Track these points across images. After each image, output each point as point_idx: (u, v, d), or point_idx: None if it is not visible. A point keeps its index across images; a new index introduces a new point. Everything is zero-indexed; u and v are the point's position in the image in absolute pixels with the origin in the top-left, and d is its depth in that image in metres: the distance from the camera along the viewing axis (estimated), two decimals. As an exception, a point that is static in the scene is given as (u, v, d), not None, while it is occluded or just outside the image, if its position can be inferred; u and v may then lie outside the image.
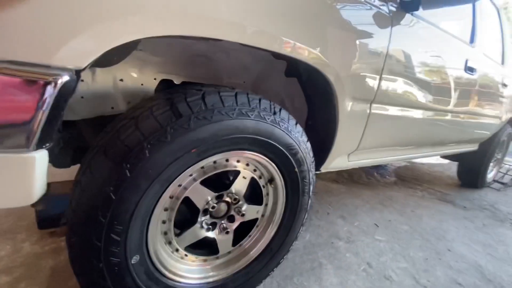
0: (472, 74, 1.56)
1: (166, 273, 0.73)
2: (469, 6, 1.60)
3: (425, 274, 1.23)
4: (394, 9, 1.03)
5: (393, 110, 1.18)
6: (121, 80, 0.87)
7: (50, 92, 0.46)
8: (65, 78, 0.47)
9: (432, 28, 1.25)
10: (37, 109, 0.45)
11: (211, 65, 1.01)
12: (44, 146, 0.49)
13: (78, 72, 0.49)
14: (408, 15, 1.09)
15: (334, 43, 0.84)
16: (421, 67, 1.21)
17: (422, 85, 1.25)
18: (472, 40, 1.61)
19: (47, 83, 0.45)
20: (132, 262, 0.62)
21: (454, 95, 1.50)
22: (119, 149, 0.55)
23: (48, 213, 1.18)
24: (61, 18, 0.45)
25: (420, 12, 1.11)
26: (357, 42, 0.91)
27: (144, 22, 0.51)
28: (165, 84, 0.97)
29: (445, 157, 2.66)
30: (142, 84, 0.92)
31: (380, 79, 1.01)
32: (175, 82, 0.98)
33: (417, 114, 1.34)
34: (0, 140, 0.45)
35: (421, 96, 1.27)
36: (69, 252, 0.59)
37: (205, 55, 0.98)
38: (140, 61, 0.88)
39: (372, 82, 1.00)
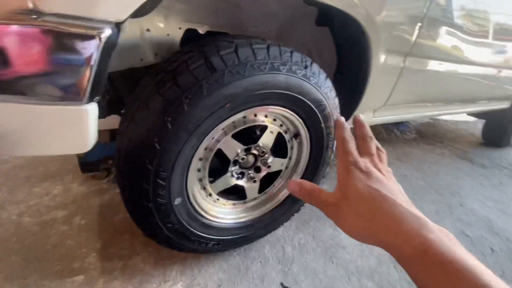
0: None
1: (203, 213, 0.82)
2: None
3: (434, 224, 1.31)
4: None
5: (428, 64, 1.11)
6: (148, 30, 0.85)
7: (96, 46, 0.47)
8: (108, 31, 0.48)
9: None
10: (87, 63, 0.48)
11: (236, 12, 0.96)
12: (94, 99, 0.53)
13: (118, 25, 0.49)
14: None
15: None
16: (468, 15, 1.09)
17: (465, 36, 1.14)
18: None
19: (92, 37, 0.46)
20: (175, 203, 0.71)
21: (496, 47, 1.36)
22: (160, 103, 0.58)
23: (88, 159, 1.30)
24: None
25: None
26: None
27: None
28: (189, 34, 0.94)
29: (472, 114, 2.54)
30: (168, 34, 0.90)
31: (420, 29, 0.93)
32: (200, 32, 0.95)
33: (453, 68, 1.25)
34: (56, 94, 0.49)
35: (460, 49, 1.17)
36: (122, 194, 0.68)
37: (230, 2, 0.92)
38: (165, 9, 0.84)
39: (411, 32, 0.92)
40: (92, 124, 0.55)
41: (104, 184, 1.32)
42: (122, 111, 1.23)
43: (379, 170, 0.35)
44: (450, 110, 1.71)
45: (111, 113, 1.01)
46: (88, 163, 1.31)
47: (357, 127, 0.42)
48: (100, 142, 1.15)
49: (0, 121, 0.49)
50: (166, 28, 0.88)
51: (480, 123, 2.78)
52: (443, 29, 1.03)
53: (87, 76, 0.49)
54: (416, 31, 0.93)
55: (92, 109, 0.53)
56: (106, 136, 1.27)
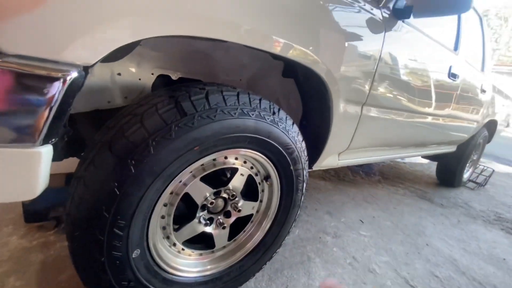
0: (455, 80, 1.65)
1: (165, 266, 0.74)
2: (455, 16, 1.69)
3: (405, 267, 1.32)
4: (387, 15, 1.07)
5: (382, 113, 1.24)
6: (119, 74, 0.86)
7: (58, 88, 0.46)
8: (74, 74, 0.47)
9: (421, 35, 1.31)
10: (45, 104, 0.46)
11: (208, 61, 1.02)
12: (50, 142, 0.49)
13: (86, 69, 0.49)
14: (399, 22, 1.14)
15: (331, 45, 0.87)
16: (410, 72, 1.28)
17: (410, 89, 1.31)
18: (456, 48, 1.70)
19: (56, 79, 0.45)
20: (133, 256, 0.63)
21: (437, 99, 1.58)
22: (124, 145, 0.56)
23: (36, 207, 1.16)
24: (72, 16, 0.45)
25: (411, 19, 1.16)
26: (353, 45, 0.95)
27: (154, 21, 0.51)
28: (162, 79, 0.97)
29: (425, 157, 2.80)
30: (139, 79, 0.91)
31: (372, 82, 1.06)
32: (172, 78, 0.98)
33: (404, 116, 1.41)
34: (7, 136, 0.45)
35: (408, 100, 1.34)
36: (70, 246, 0.60)
37: (204, 52, 0.98)
38: (138, 56, 0.87)
39: (365, 85, 1.04)
40: (43, 168, 0.50)
41: (52, 236, 1.15)
42: (82, 154, 1.16)
43: None
44: (406, 153, 1.87)
45: (69, 155, 0.94)
46: (34, 212, 1.16)
47: None
48: (51, 187, 1.05)
49: None
50: (138, 73, 0.90)
51: (433, 165, 3.05)
52: (391, 84, 1.18)
53: (45, 117, 0.46)
54: (369, 84, 1.06)
55: (46, 151, 0.49)
56: (61, 181, 1.16)
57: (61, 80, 0.46)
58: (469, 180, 2.99)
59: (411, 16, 1.08)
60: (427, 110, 1.54)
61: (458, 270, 1.37)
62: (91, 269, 0.60)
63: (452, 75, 1.60)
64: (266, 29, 0.69)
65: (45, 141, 0.48)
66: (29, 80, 0.44)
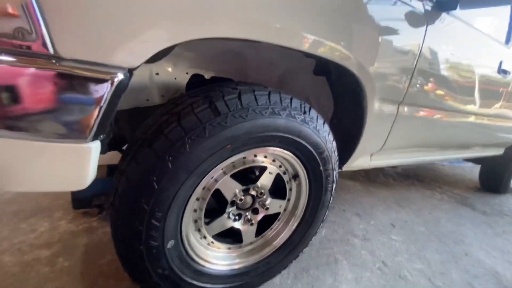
0: (506, 77, 1.49)
1: (196, 258, 0.78)
2: (507, 6, 1.52)
3: (440, 276, 1.24)
4: (429, 8, 1.00)
5: (420, 112, 1.17)
6: (157, 74, 0.91)
7: (107, 89, 0.50)
8: (120, 76, 0.51)
9: (467, 28, 1.20)
10: (96, 104, 0.50)
11: (239, 60, 1.04)
12: (98, 138, 0.54)
13: (131, 71, 0.53)
14: (444, 14, 1.06)
15: (367, 42, 0.84)
16: (453, 68, 1.18)
17: (453, 86, 1.22)
18: (508, 41, 1.54)
19: (105, 81, 0.49)
20: (168, 246, 0.67)
21: (484, 97, 1.45)
22: (162, 142, 0.59)
23: (82, 195, 1.27)
24: (118, 23, 0.48)
25: (456, 11, 1.07)
26: (391, 41, 0.90)
27: (192, 25, 0.54)
28: (195, 79, 1.00)
29: (468, 159, 2.58)
30: (175, 78, 0.96)
31: (411, 80, 1.00)
32: (205, 77, 1.02)
33: (445, 115, 1.31)
34: (62, 132, 0.50)
35: (450, 98, 1.24)
36: (113, 234, 0.65)
37: (235, 51, 1.00)
38: (175, 56, 0.91)
39: (403, 83, 0.99)
40: (93, 162, 0.55)
41: (95, 222, 1.26)
42: (123, 148, 1.24)
43: None
44: (445, 156, 1.75)
45: (111, 149, 1.02)
46: (80, 199, 1.27)
47: None
48: (96, 178, 1.15)
49: (3, 155, 0.49)
50: (174, 72, 0.94)
51: (476, 168, 2.81)
52: (431, 81, 1.10)
53: (95, 115, 0.51)
54: (408, 82, 1.00)
55: (96, 146, 0.54)
56: (103, 172, 1.26)
57: (110, 81, 0.50)
58: (518, 187, 2.70)
59: (457, 8, 1.00)
60: (471, 108, 1.42)
61: (500, 284, 1.26)
62: (131, 256, 0.65)
63: (503, 71, 1.45)
64: (295, 26, 0.68)
65: (94, 138, 0.53)
66: (83, 82, 0.49)
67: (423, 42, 0.99)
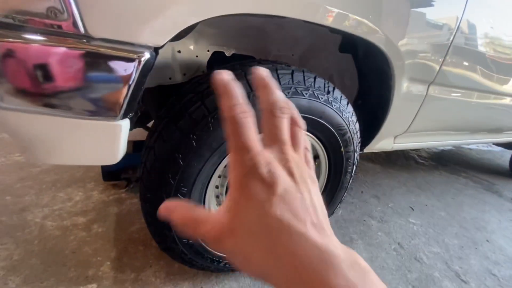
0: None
1: (217, 231, 0.83)
2: None
3: (458, 261, 1.23)
4: (473, -25, 0.90)
5: (451, 93, 1.10)
6: (179, 51, 0.91)
7: (135, 68, 0.51)
8: (147, 55, 0.52)
9: (514, -2, 1.08)
10: (125, 83, 0.52)
11: (261, 37, 1.01)
12: (128, 116, 0.57)
13: (156, 50, 0.54)
14: (489, -17, 0.95)
15: (397, 15, 0.78)
16: (492, 44, 1.08)
17: (490, 65, 1.12)
18: None
19: (133, 60, 0.51)
20: (192, 219, 0.72)
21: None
22: (187, 121, 0.61)
23: (111, 169, 1.36)
24: (144, 2, 0.48)
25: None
26: (424, 14, 0.83)
27: (216, 2, 0.52)
28: (216, 56, 0.99)
29: (498, 144, 2.43)
30: (196, 56, 0.95)
31: (445, 58, 0.93)
32: (226, 55, 1.00)
33: (479, 97, 1.22)
34: (94, 110, 0.53)
35: (486, 78, 1.15)
36: (142, 206, 0.70)
37: (257, 27, 0.97)
38: (196, 33, 0.90)
39: (435, 61, 0.92)
40: (123, 138, 0.58)
41: (123, 193, 1.36)
42: (147, 125, 1.29)
43: (290, 170, 0.22)
44: (476, 139, 1.65)
45: (137, 126, 1.06)
46: (110, 172, 1.36)
47: (259, 88, 0.26)
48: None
49: (41, 131, 0.53)
50: (195, 50, 0.94)
51: (506, 153, 2.65)
52: (467, 59, 1.02)
53: (124, 94, 0.53)
54: (441, 60, 0.93)
55: (125, 124, 0.57)
56: (129, 147, 1.33)
57: (137, 60, 0.51)
58: (553, 174, 2.53)
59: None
60: (507, 89, 1.31)
61: (523, 272, 1.23)
62: (159, 226, 0.70)
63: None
64: None
65: (124, 116, 0.55)
66: (112, 61, 0.50)
67: (462, 15, 0.90)
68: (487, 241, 1.42)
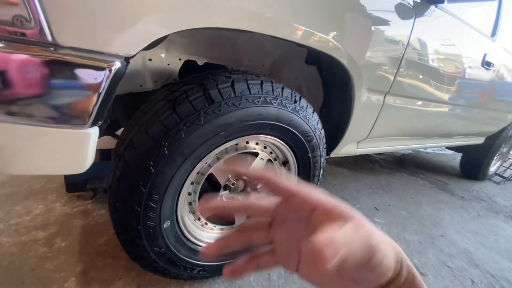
0: (489, 69, 1.55)
1: (190, 237, 0.83)
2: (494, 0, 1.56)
3: (417, 255, 1.34)
4: (418, 0, 1.02)
5: (405, 102, 1.22)
6: (150, 59, 0.92)
7: (105, 77, 0.52)
8: (118, 64, 0.53)
9: (454, 20, 1.24)
10: (95, 91, 0.52)
11: (233, 48, 1.05)
12: (97, 124, 0.56)
13: (127, 59, 0.55)
14: (432, 7, 1.09)
15: (355, 32, 0.87)
16: (439, 60, 1.23)
17: (438, 78, 1.27)
18: (493, 34, 1.59)
19: (103, 69, 0.51)
20: (164, 227, 0.72)
21: (467, 89, 1.52)
22: (159, 128, 0.62)
23: (75, 179, 1.29)
24: (115, 13, 0.49)
25: (444, 4, 1.10)
26: (378, 32, 0.93)
27: (187, 16, 0.55)
28: (188, 65, 1.01)
29: (450, 148, 2.70)
30: (168, 64, 0.96)
31: (397, 72, 1.04)
32: (198, 63, 1.03)
33: (429, 106, 1.37)
34: (61, 118, 0.52)
35: (435, 89, 1.30)
36: (112, 215, 0.69)
37: (228, 38, 1.01)
38: (168, 42, 0.92)
39: (389, 74, 1.03)
40: (92, 147, 0.57)
41: (89, 205, 1.29)
42: (115, 133, 1.25)
43: None
44: (429, 144, 1.83)
45: (105, 134, 1.03)
46: (74, 183, 1.29)
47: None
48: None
49: (2, 139, 0.51)
50: (167, 58, 0.95)
51: (458, 156, 2.94)
52: (417, 72, 1.15)
53: (94, 102, 0.53)
54: (394, 73, 1.04)
55: (94, 132, 0.56)
56: (96, 156, 1.28)
57: (108, 69, 0.51)
58: (496, 174, 2.86)
59: (445, 1, 1.03)
60: (455, 100, 1.49)
61: (471, 262, 1.38)
62: (130, 235, 0.69)
63: (486, 63, 1.51)
64: (286, 17, 0.69)
65: (93, 124, 0.55)
66: (80, 69, 0.50)
67: (411, 33, 1.02)
68: (442, 236, 1.57)
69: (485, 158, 2.51)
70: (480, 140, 2.37)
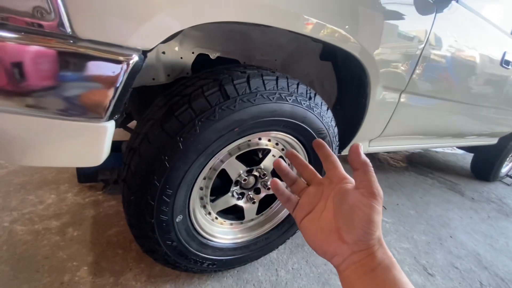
0: (508, 68, 1.50)
1: (201, 231, 0.83)
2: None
3: (425, 255, 1.33)
4: (440, -5, 0.99)
5: (420, 101, 1.19)
6: (163, 53, 0.91)
7: (123, 70, 0.51)
8: (135, 58, 0.52)
9: (475, 17, 1.19)
10: (112, 85, 0.51)
11: (246, 42, 1.03)
12: (114, 118, 0.56)
13: (145, 53, 0.54)
14: (453, 2, 1.05)
15: (372, 27, 0.84)
16: (457, 57, 1.19)
17: (455, 76, 1.23)
18: (514, 31, 1.53)
19: (121, 62, 0.51)
20: (177, 220, 0.72)
21: (485, 88, 1.47)
22: (174, 124, 0.62)
23: (87, 170, 1.31)
24: (135, 6, 0.48)
25: (466, -1, 1.06)
26: (396, 26, 0.90)
27: (204, 10, 0.54)
28: (201, 58, 1.00)
29: (461, 147, 2.65)
30: (181, 58, 0.95)
31: (415, 69, 1.01)
32: (211, 57, 1.01)
33: (444, 105, 1.34)
34: (79, 111, 0.52)
35: (452, 88, 1.26)
36: (125, 208, 0.69)
37: (242, 32, 0.99)
38: (181, 35, 0.90)
39: (406, 71, 1.00)
40: (108, 140, 0.57)
41: (100, 196, 1.31)
42: (127, 125, 1.26)
43: None
44: (442, 143, 1.80)
45: (117, 126, 1.04)
46: (85, 174, 1.31)
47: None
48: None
49: (21, 131, 0.51)
50: (180, 52, 0.94)
51: (468, 156, 2.89)
52: (435, 70, 1.12)
53: (111, 96, 0.52)
54: (411, 71, 1.01)
55: (111, 126, 0.56)
56: (108, 148, 1.29)
57: (125, 63, 0.51)
58: (507, 175, 2.81)
59: (468, -4, 0.99)
60: (471, 99, 1.44)
61: (480, 264, 1.36)
62: (142, 228, 0.70)
63: (506, 62, 1.46)
64: (297, 9, 0.66)
65: (110, 117, 0.55)
66: (99, 63, 0.50)
67: (431, 29, 0.99)
68: (451, 237, 1.55)
69: (498, 159, 2.46)
70: (494, 141, 2.31)
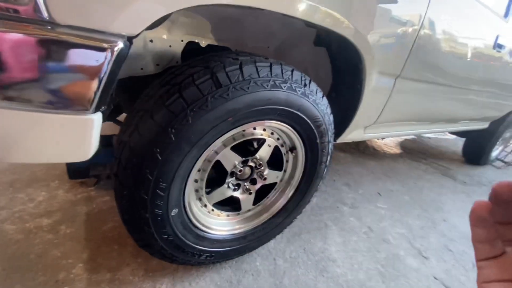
0: (500, 51, 1.50)
1: (197, 224, 0.82)
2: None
3: (420, 239, 1.36)
4: (435, -24, 0.96)
5: (415, 86, 1.18)
6: (151, 41, 0.87)
7: (107, 58, 0.48)
8: (120, 45, 0.49)
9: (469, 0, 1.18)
10: (96, 75, 0.48)
11: (237, 28, 0.99)
12: (100, 110, 0.53)
13: (130, 39, 0.51)
14: (448, -16, 1.03)
15: (369, 13, 0.82)
16: (451, 41, 1.18)
17: (449, 60, 1.22)
18: (506, 14, 1.52)
19: (105, 49, 0.47)
20: (172, 214, 0.71)
21: (478, 72, 1.47)
22: (165, 114, 0.59)
23: (78, 165, 1.27)
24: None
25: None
26: (392, 12, 0.88)
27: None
28: (190, 46, 0.96)
29: (453, 132, 2.69)
30: (170, 46, 0.92)
31: (410, 53, 1.00)
32: (201, 45, 0.98)
33: (438, 90, 1.33)
34: (62, 104, 0.49)
35: (446, 72, 1.25)
36: (118, 203, 0.67)
37: (233, 18, 0.95)
38: (169, 22, 0.86)
39: (401, 55, 0.99)
40: (95, 133, 0.55)
41: (92, 191, 1.28)
42: (117, 118, 1.22)
43: None
44: (435, 129, 1.81)
45: (106, 119, 1.00)
46: (76, 170, 1.27)
47: None
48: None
49: (1, 125, 0.48)
50: (168, 39, 0.90)
51: (459, 141, 2.93)
52: (431, 54, 1.10)
53: (96, 86, 0.49)
54: (407, 55, 1.00)
55: (98, 118, 0.53)
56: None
57: (110, 50, 0.48)
58: (497, 159, 2.87)
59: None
60: (464, 83, 1.44)
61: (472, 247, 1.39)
62: (137, 223, 0.68)
63: (498, 46, 1.46)
64: None
65: (96, 109, 0.52)
66: (80, 50, 0.47)
67: (426, 12, 0.97)
68: (444, 220, 1.58)
69: (489, 143, 2.50)
70: (485, 125, 2.34)
